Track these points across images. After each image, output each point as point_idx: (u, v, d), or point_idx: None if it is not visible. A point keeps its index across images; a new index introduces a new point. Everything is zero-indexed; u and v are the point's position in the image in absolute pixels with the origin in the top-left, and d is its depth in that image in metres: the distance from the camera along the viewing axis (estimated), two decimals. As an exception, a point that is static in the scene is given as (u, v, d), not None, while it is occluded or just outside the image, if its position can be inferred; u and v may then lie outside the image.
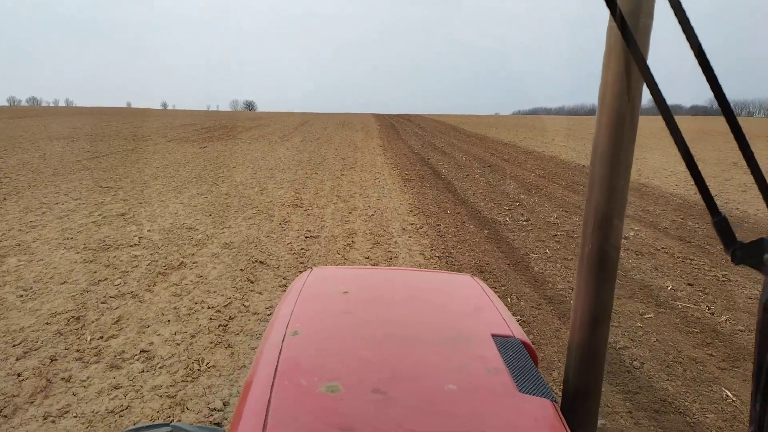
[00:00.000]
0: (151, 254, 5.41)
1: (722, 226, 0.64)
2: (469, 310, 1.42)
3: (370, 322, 1.27)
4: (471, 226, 7.20)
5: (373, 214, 7.69)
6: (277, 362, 1.03)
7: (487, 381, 0.99)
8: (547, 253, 5.94)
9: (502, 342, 1.15)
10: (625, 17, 0.80)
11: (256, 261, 5.33)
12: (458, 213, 8.00)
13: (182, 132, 24.34)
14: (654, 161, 15.52)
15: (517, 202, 8.92)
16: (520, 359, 1.09)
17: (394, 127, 32.08)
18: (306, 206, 8.21)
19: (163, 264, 5.09)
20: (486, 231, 6.95)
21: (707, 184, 0.68)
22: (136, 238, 6.00)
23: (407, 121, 41.99)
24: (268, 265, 5.21)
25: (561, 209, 8.36)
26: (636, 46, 0.76)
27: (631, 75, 0.92)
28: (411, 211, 7.97)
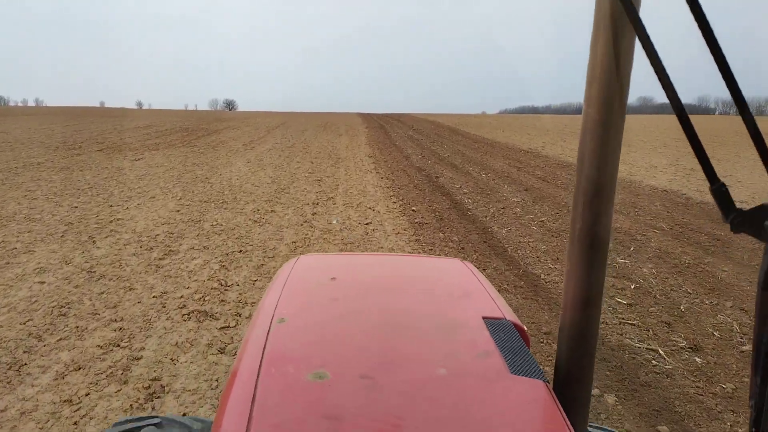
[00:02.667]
0: None
1: (721, 193, 0.63)
2: (460, 294, 1.39)
3: (359, 308, 1.25)
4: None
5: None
6: (264, 350, 1.01)
7: (479, 364, 0.98)
8: None
9: (494, 324, 1.15)
10: None
11: None
12: (534, 309, 3.98)
13: (128, 136, 19.91)
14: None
15: (624, 278, 4.92)
16: (512, 341, 1.08)
17: (384, 130, 27.94)
18: (229, 310, 4.06)
19: None
20: (619, 372, 2.93)
21: (706, 153, 0.66)
22: None
23: (398, 122, 37.81)
24: None
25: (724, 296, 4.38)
26: (631, 12, 0.75)
27: (621, 55, 0.90)
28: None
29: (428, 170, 12.26)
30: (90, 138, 18.93)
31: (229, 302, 4.12)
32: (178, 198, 8.25)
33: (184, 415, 2.71)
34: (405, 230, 6.51)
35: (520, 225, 7.04)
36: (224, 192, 8.86)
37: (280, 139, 20.39)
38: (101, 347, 3.35)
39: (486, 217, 7.48)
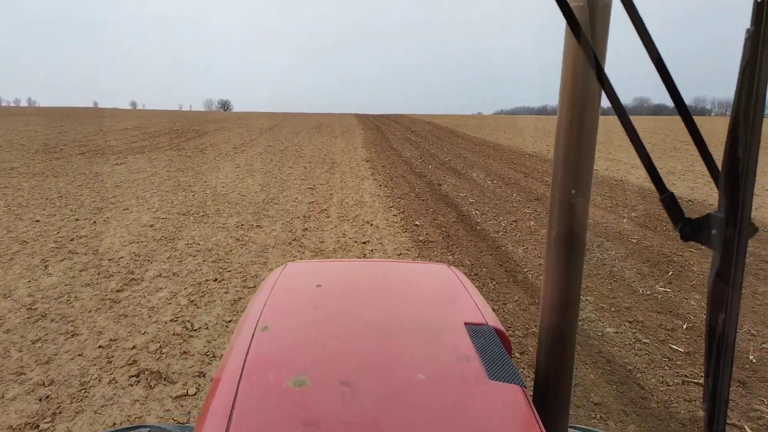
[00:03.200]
0: None
1: (670, 202, 0.64)
2: (444, 299, 1.40)
3: (342, 314, 1.25)
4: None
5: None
6: (245, 358, 1.01)
7: (458, 369, 0.99)
8: None
9: (475, 330, 1.16)
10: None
11: None
12: (577, 362, 3.18)
13: (114, 138, 19.03)
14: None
15: (672, 315, 4.13)
16: (492, 346, 1.09)
17: (381, 132, 27.14)
18: (190, 368, 3.23)
19: None
20: None
21: (654, 163, 0.68)
22: None
23: (394, 123, 37.01)
24: None
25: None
26: (591, 36, 0.81)
27: (590, 59, 0.85)
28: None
29: (429, 176, 11.46)
30: (74, 140, 18.04)
31: (193, 355, 3.30)
32: (155, 210, 7.41)
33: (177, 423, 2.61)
34: (408, 251, 5.70)
35: (536, 242, 6.25)
36: (207, 202, 8.03)
37: (272, 141, 19.55)
38: (13, 430, 2.53)
39: (498, 232, 6.68)
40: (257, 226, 6.66)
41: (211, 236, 6.13)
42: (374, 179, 10.78)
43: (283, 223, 6.84)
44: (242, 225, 6.69)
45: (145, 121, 31.66)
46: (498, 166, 13.56)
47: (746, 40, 0.51)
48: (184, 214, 7.18)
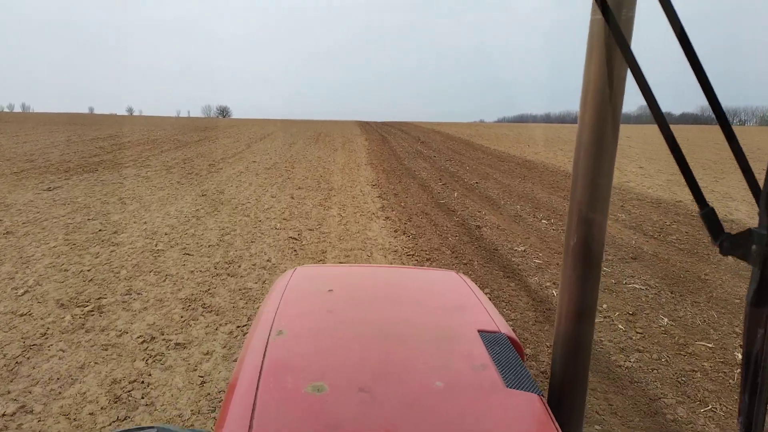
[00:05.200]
0: None
1: (710, 217, 0.64)
2: (455, 306, 1.38)
3: (355, 320, 1.24)
4: None
5: None
6: (262, 363, 1.00)
7: (474, 377, 0.98)
8: None
9: (489, 338, 1.14)
10: (609, 11, 0.79)
11: None
12: None
13: (76, 151, 15.99)
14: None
15: None
16: (507, 354, 1.08)
17: (387, 143, 24.10)
18: None
19: None
20: None
21: (695, 177, 0.66)
22: None
23: (401, 132, 33.96)
24: None
25: None
26: (621, 41, 0.74)
27: (613, 74, 0.93)
28: None
29: (459, 211, 8.40)
30: (25, 153, 15.06)
31: None
32: (20, 293, 4.36)
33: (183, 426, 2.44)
34: None
35: (709, 379, 3.19)
36: (120, 271, 4.98)
37: (260, 155, 16.52)
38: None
39: (620, 345, 3.63)
40: (182, 342, 3.59)
41: (87, 367, 3.08)
42: (386, 218, 7.72)
43: (236, 326, 3.78)
44: (158, 332, 3.64)
45: (126, 129, 28.69)
46: (543, 193, 10.51)
47: None
48: (63, 305, 4.12)
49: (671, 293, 4.84)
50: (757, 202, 0.58)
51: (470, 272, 5.32)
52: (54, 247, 5.72)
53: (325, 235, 6.58)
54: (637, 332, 3.98)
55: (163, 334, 3.66)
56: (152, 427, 1.21)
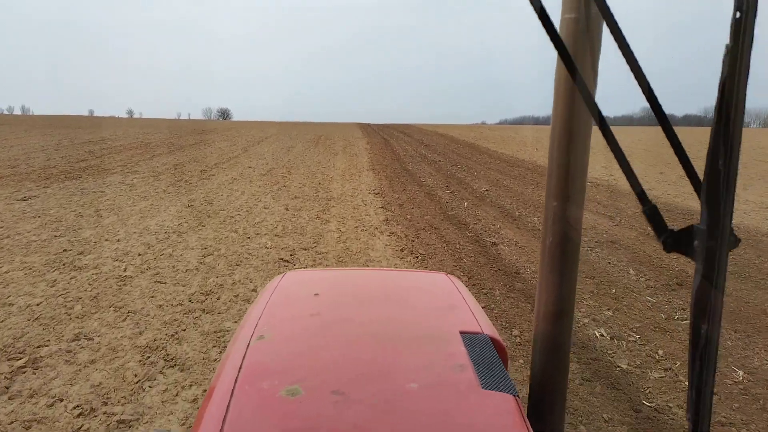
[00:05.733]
0: None
1: (653, 214, 0.65)
2: (441, 308, 1.38)
3: (339, 323, 1.23)
4: None
5: None
6: (240, 367, 1.00)
7: (451, 378, 0.98)
8: None
9: (470, 339, 1.14)
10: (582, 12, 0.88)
11: None
12: None
13: (63, 156, 15.19)
14: None
15: None
16: (487, 355, 1.08)
17: (390, 147, 23.26)
18: None
19: None
20: None
21: (636, 175, 0.67)
22: None
23: (403, 135, 33.12)
24: None
25: None
26: (578, 48, 0.88)
27: (585, 69, 0.94)
28: None
29: (472, 225, 7.57)
30: (9, 158, 14.29)
31: None
32: (-56, 338, 3.53)
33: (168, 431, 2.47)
34: None
35: None
36: (75, 305, 4.15)
37: (256, 160, 15.70)
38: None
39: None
40: (128, 417, 2.74)
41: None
42: (390, 233, 6.89)
43: (197, 396, 2.94)
44: (94, 408, 2.79)
45: (121, 132, 27.92)
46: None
47: (725, 55, 0.53)
48: (-9, 358, 3.29)
49: (734, 331, 4.00)
50: (699, 197, 0.59)
51: (493, 305, 4.48)
52: (5, 273, 4.90)
53: (321, 256, 5.74)
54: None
55: (107, 404, 2.83)
56: None
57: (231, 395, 0.89)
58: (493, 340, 1.15)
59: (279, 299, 1.37)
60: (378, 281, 1.63)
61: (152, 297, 4.40)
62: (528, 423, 0.88)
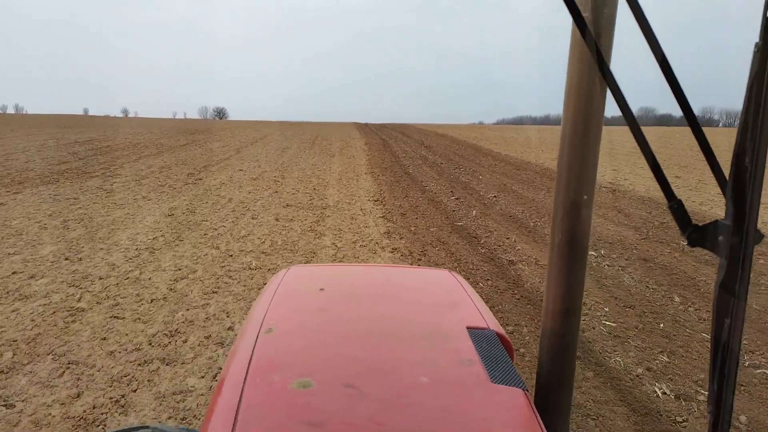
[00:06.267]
0: None
1: (678, 210, 0.64)
2: (446, 304, 1.38)
3: (345, 318, 1.24)
4: None
5: None
6: (250, 360, 1.00)
7: (460, 373, 0.98)
8: None
9: (477, 334, 1.14)
10: (586, 21, 0.85)
11: None
12: None
13: (45, 157, 14.31)
14: None
15: None
16: (494, 350, 1.08)
17: (389, 147, 22.43)
18: None
19: None
20: None
21: (663, 171, 0.67)
22: None
23: (402, 135, 32.26)
24: None
25: None
26: (598, 44, 0.79)
27: (595, 72, 0.93)
28: None
29: (483, 237, 6.75)
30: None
31: None
32: None
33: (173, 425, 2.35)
34: None
35: None
36: (6, 353, 3.31)
37: (248, 163, 14.85)
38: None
39: None
40: None
41: None
42: (393, 249, 6.07)
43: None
44: None
45: (110, 133, 27.01)
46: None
47: (755, 53, 0.52)
48: None
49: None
50: (724, 194, 0.59)
51: (522, 348, 3.67)
52: (-68, 304, 4.06)
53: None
54: None
55: None
56: (146, 427, 1.24)
57: (242, 388, 0.88)
58: (499, 336, 1.15)
59: (284, 294, 1.37)
60: (381, 277, 1.62)
61: (104, 339, 3.58)
62: (539, 416, 0.88)
